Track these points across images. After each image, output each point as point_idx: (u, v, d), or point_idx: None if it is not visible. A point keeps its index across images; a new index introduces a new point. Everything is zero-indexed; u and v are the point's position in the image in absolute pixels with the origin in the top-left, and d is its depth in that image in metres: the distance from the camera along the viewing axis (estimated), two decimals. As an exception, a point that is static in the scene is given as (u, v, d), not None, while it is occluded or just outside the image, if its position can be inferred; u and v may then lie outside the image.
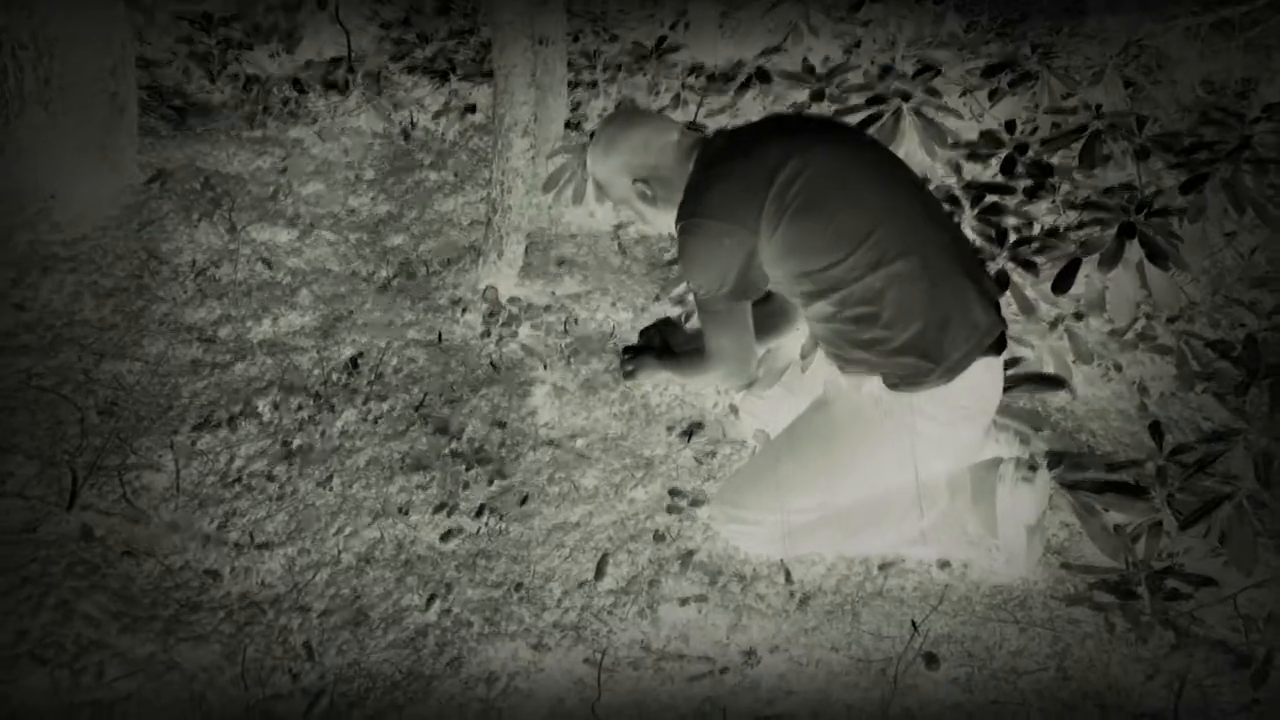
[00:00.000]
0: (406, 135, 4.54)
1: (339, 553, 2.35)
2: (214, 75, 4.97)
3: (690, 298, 3.02)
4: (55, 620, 2.07)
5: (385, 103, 4.72)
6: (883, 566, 2.40)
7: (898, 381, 2.23)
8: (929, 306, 2.18)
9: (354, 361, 2.92)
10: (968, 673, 2.14)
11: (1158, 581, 2.27)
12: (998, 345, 2.28)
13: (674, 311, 3.24)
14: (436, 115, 4.64)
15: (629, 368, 2.74)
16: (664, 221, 2.44)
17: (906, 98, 3.65)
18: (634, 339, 3.15)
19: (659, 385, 2.89)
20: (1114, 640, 2.21)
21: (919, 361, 2.19)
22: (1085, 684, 2.13)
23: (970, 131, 3.95)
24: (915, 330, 2.18)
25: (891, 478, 2.33)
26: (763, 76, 4.20)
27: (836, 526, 2.38)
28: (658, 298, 3.30)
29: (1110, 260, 3.00)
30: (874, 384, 2.26)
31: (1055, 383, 2.80)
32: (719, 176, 2.29)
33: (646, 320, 3.24)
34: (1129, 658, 2.17)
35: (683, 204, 2.33)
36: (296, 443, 2.62)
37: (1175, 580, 2.28)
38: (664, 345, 2.73)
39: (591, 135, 3.79)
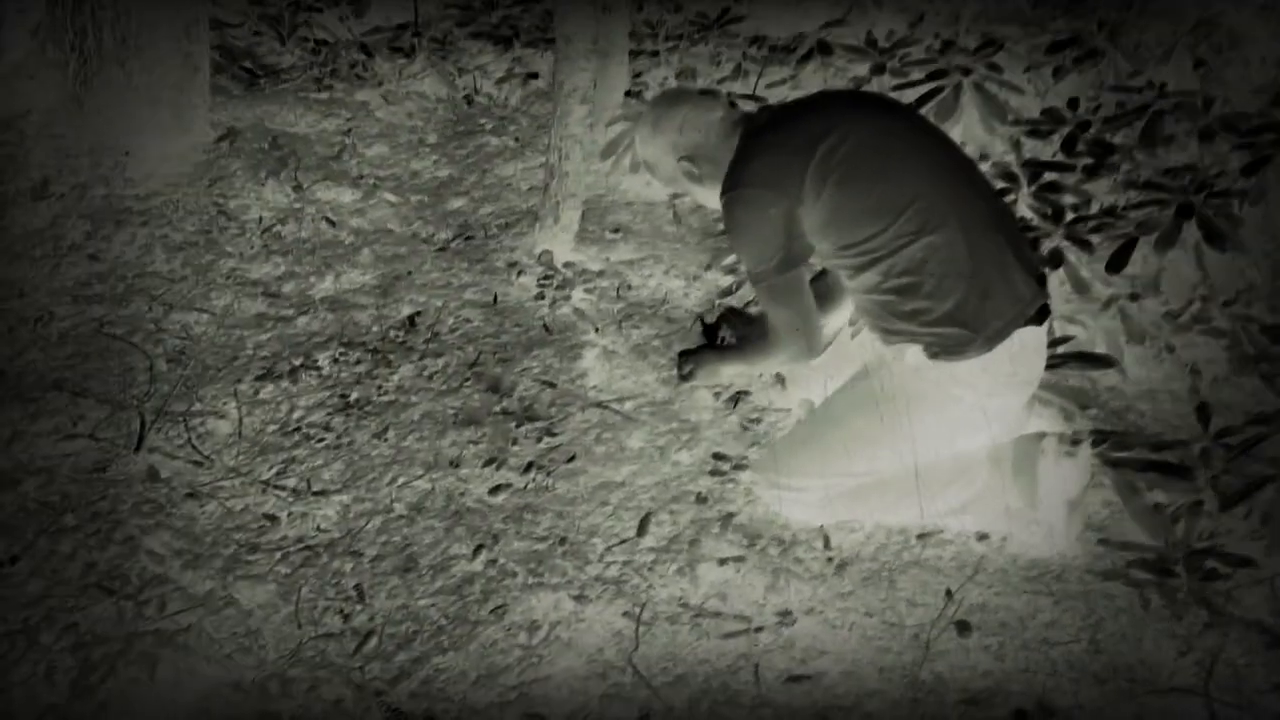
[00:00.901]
0: (470, 100, 4.61)
1: (391, 502, 2.43)
2: (284, 38, 5.07)
3: (744, 272, 3.04)
4: (122, 554, 2.18)
5: (449, 68, 4.79)
6: (921, 536, 2.43)
7: (939, 351, 2.25)
8: (970, 277, 2.21)
9: (412, 320, 3.01)
10: (1000, 641, 2.17)
11: (1196, 561, 2.28)
12: (1040, 316, 2.29)
13: (725, 280, 3.28)
14: (499, 81, 4.70)
15: (686, 369, 2.74)
16: (712, 198, 2.48)
17: (967, 72, 3.64)
18: (687, 306, 3.20)
19: (721, 384, 2.86)
20: (1148, 616, 2.22)
21: (960, 331, 2.22)
22: (1117, 657, 2.15)
23: (1032, 108, 3.93)
24: (956, 300, 2.21)
25: (933, 447, 2.36)
26: (824, 49, 4.20)
27: (878, 495, 2.42)
28: (709, 266, 3.34)
29: (1167, 241, 2.99)
30: (916, 354, 2.29)
31: (1104, 362, 2.81)
32: (762, 148, 2.33)
33: (698, 289, 3.28)
34: (1162, 634, 2.19)
35: (727, 176, 2.37)
36: (354, 396, 2.71)
37: (1214, 560, 2.29)
38: (739, 337, 2.75)
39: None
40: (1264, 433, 2.47)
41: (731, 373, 2.77)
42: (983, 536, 2.42)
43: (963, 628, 2.19)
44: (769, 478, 2.46)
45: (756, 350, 2.60)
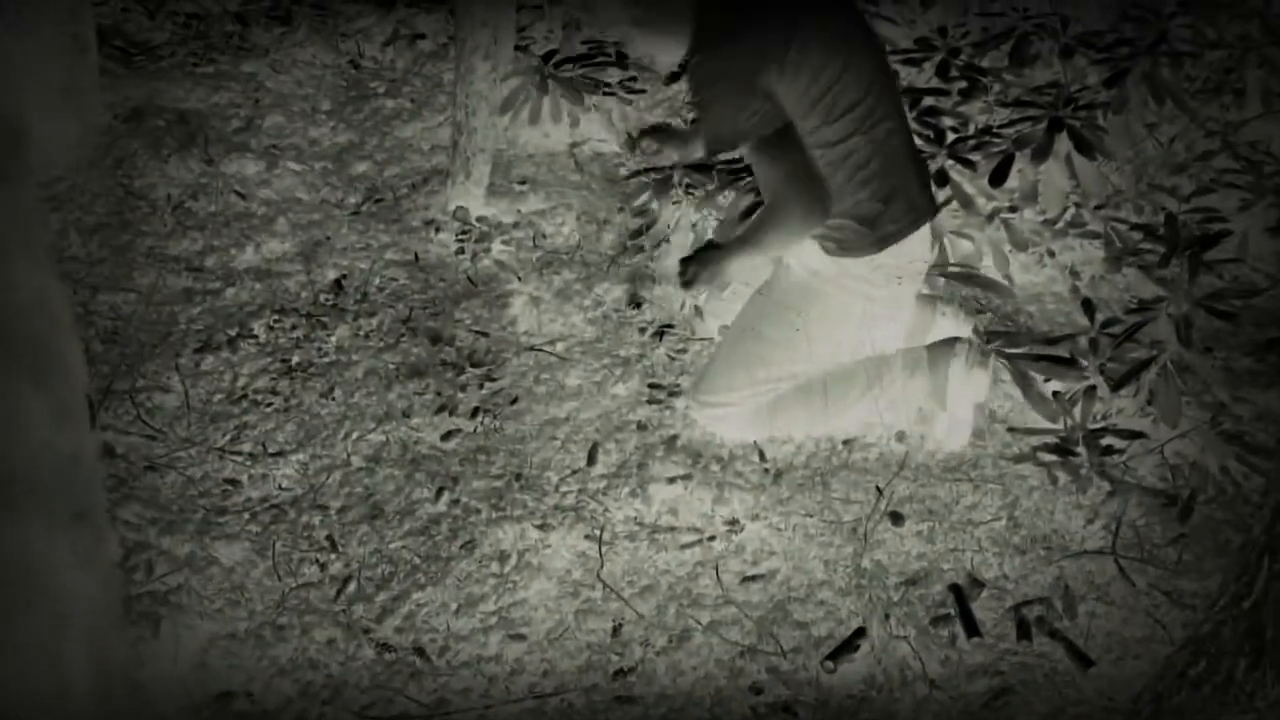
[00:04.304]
0: (356, 65, 4.62)
1: (348, 456, 2.52)
2: (152, 13, 4.98)
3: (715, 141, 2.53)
4: (98, 526, 2.24)
5: (332, 33, 4.78)
6: (846, 442, 2.62)
7: (833, 247, 2.40)
8: (880, 180, 2.35)
9: (338, 283, 3.07)
10: (929, 526, 2.38)
11: (1094, 439, 2.53)
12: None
13: (635, 223, 3.41)
14: (385, 44, 4.71)
15: (689, 274, 2.55)
16: (654, 46, 2.41)
17: (845, 8, 3.82)
18: (600, 250, 3.32)
19: (728, 286, 2.70)
20: (1057, 491, 2.47)
21: (857, 227, 2.36)
22: (1033, 530, 2.38)
23: (905, 38, 4.13)
24: (858, 199, 2.35)
25: (841, 342, 2.52)
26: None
27: (803, 406, 2.59)
28: (621, 209, 3.47)
29: (1041, 153, 3.22)
30: (813, 258, 2.43)
31: (1001, 290, 3.03)
32: (741, 15, 2.23)
33: (610, 232, 3.41)
34: (1071, 505, 2.43)
35: (701, 36, 2.27)
36: (295, 360, 2.78)
37: (1110, 437, 2.54)
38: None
39: (543, 58, 3.91)
40: (1141, 320, 2.73)
41: (737, 266, 2.54)
42: (901, 437, 2.63)
43: (895, 518, 2.40)
44: (700, 400, 2.61)
45: (763, 225, 2.42)
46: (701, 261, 2.52)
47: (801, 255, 2.44)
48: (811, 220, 2.36)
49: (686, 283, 2.57)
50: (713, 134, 2.32)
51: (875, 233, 2.38)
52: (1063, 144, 3.21)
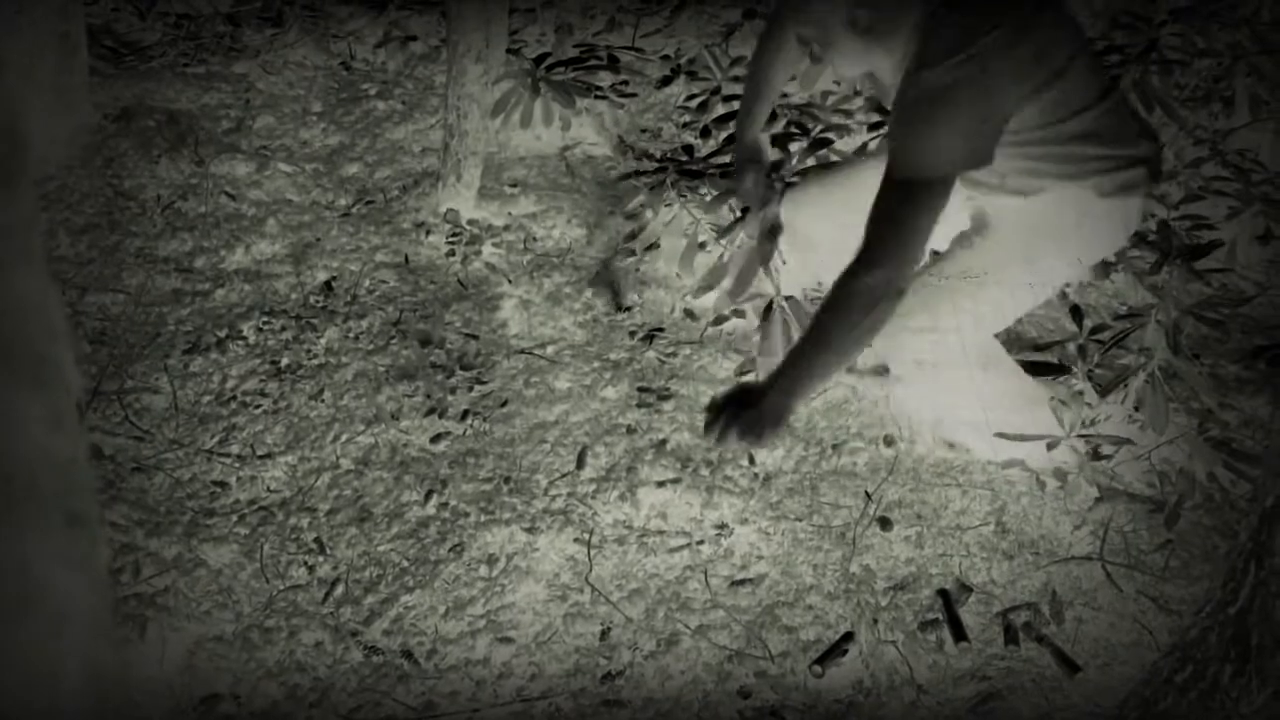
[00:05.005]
0: (347, 66, 4.61)
1: (337, 458, 2.52)
2: (143, 13, 4.97)
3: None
4: (86, 528, 2.23)
5: (324, 35, 4.78)
6: (835, 446, 2.63)
7: (1113, 188, 2.20)
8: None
9: (328, 285, 3.07)
10: (918, 532, 2.39)
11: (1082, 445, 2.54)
12: None
13: (627, 227, 3.41)
14: (376, 46, 4.71)
15: (720, 435, 2.00)
16: (869, 61, 2.13)
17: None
18: (591, 254, 3.33)
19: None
20: (1045, 497, 2.48)
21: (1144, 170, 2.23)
22: (1021, 535, 2.39)
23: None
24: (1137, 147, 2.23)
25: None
26: (696, -3, 4.34)
27: (1007, 393, 2.45)
28: (612, 212, 3.47)
29: (1031, 160, 3.23)
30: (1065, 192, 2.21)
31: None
32: (1000, 37, 1.93)
33: (601, 236, 3.41)
34: (1058, 511, 2.44)
35: (939, 44, 1.94)
36: (284, 361, 2.77)
37: (1097, 442, 2.55)
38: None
39: (535, 61, 3.91)
40: (1129, 328, 2.74)
41: (800, 381, 2.02)
42: (890, 442, 2.64)
43: (884, 523, 2.41)
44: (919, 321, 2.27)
45: (835, 305, 1.98)
46: (737, 420, 2.01)
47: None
48: (882, 297, 1.96)
49: (713, 435, 2.04)
50: (930, 159, 1.98)
51: (1153, 179, 2.29)
52: (1052, 151, 3.23)
